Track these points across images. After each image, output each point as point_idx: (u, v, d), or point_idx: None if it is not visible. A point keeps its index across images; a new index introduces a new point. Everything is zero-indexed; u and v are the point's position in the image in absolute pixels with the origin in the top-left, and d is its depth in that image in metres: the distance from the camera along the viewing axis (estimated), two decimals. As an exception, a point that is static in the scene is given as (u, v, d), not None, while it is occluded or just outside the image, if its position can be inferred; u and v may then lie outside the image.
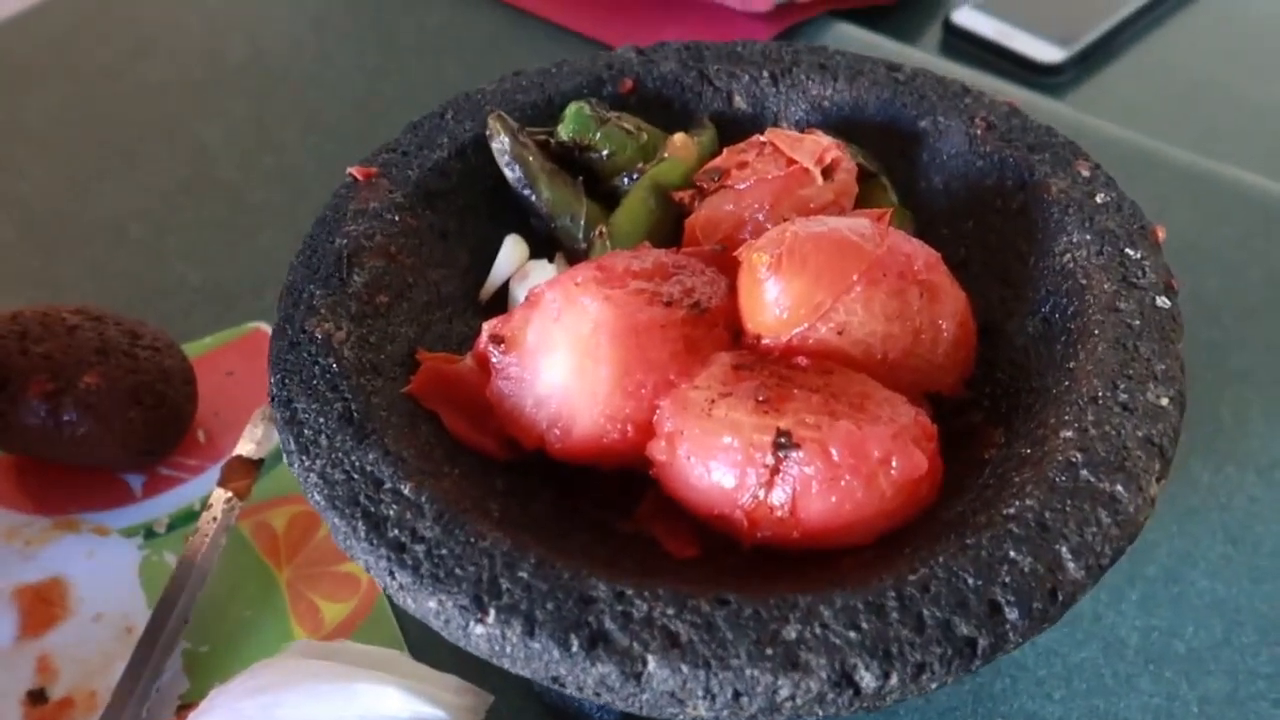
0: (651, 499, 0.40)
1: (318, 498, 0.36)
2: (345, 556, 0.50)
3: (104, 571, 0.51)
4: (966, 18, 0.81)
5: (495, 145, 0.47)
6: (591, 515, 0.40)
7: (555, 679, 0.33)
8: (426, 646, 0.46)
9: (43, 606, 0.49)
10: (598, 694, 0.33)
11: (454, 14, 0.80)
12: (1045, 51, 0.78)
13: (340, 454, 0.37)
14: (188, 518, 0.53)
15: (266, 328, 0.61)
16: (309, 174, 0.70)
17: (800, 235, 0.39)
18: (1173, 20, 0.83)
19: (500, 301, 0.46)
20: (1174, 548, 0.50)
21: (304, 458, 0.37)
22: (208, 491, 0.53)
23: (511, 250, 0.46)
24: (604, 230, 0.46)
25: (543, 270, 0.45)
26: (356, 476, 0.36)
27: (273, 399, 0.39)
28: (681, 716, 0.33)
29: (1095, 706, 0.46)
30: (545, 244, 0.47)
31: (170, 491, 0.54)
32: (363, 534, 0.35)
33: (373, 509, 0.35)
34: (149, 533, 0.52)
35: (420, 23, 0.80)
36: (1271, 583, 0.49)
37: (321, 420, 0.37)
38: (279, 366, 0.39)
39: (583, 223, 0.47)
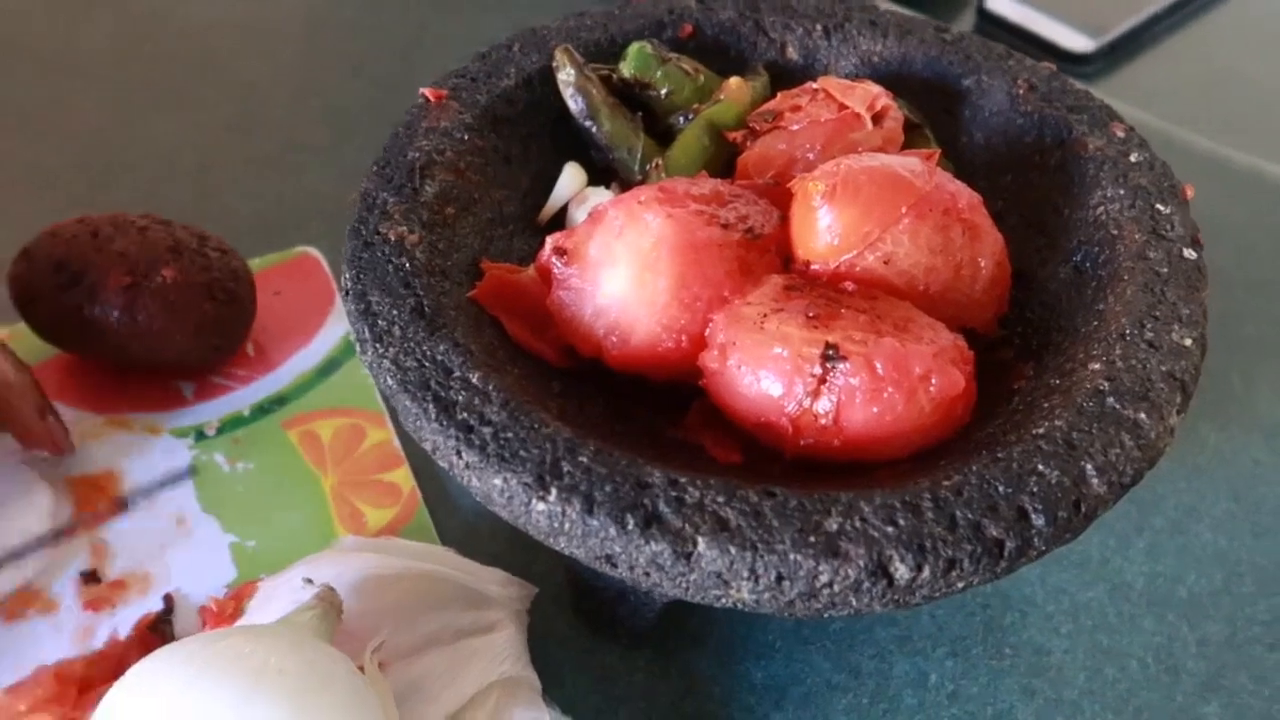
0: (699, 409, 0.42)
1: (390, 382, 0.38)
2: (388, 466, 0.53)
3: (156, 467, 0.53)
4: (1000, 4, 0.83)
5: (561, 76, 0.49)
6: (642, 422, 0.42)
7: (608, 557, 0.35)
8: (466, 554, 0.48)
9: (96, 495, 0.52)
10: (647, 573, 0.35)
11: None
12: (1076, 41, 0.81)
13: (412, 344, 0.39)
14: (235, 423, 0.55)
15: (314, 252, 0.63)
16: (354, 116, 0.72)
17: (854, 168, 0.41)
18: (1203, 17, 0.85)
19: (558, 224, 0.48)
20: (1180, 501, 0.52)
21: (378, 345, 0.39)
22: (255, 400, 0.56)
23: (571, 176, 0.48)
24: (660, 163, 0.48)
25: (600, 196, 0.48)
26: (427, 364, 0.38)
27: (347, 293, 0.41)
28: (724, 598, 0.35)
29: (1099, 642, 0.48)
30: (602, 174, 0.49)
31: (219, 398, 0.56)
32: (433, 415, 0.37)
33: (443, 394, 0.37)
34: (199, 434, 0.54)
35: (469, -25, 0.82)
36: (1271, 538, 0.51)
37: (395, 313, 0.40)
38: (354, 263, 0.41)
39: (639, 155, 0.49)
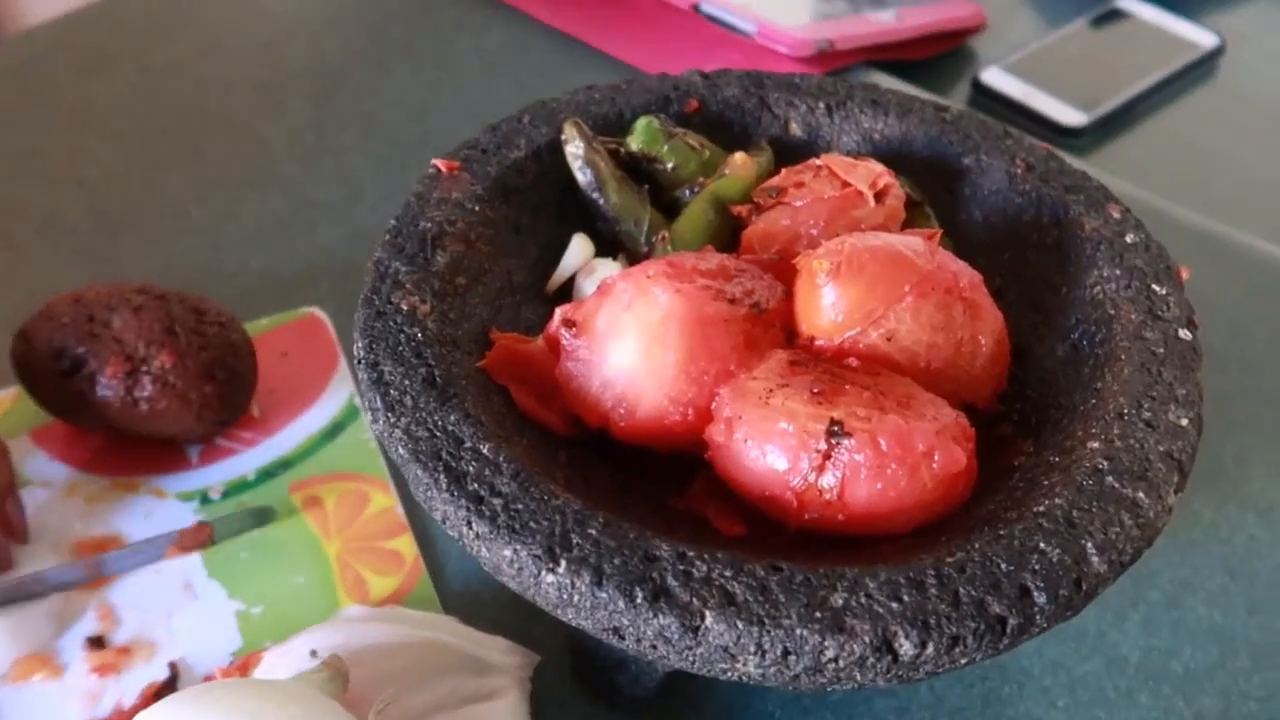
0: (703, 480, 0.43)
1: (402, 451, 0.39)
2: (391, 533, 0.53)
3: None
4: (994, 78, 0.85)
5: (570, 149, 0.50)
6: (647, 492, 0.43)
7: (616, 630, 0.36)
8: (468, 623, 0.49)
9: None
10: (654, 646, 0.35)
11: (509, 35, 0.84)
12: (1068, 115, 0.82)
13: (424, 413, 0.39)
14: (241, 487, 0.55)
15: (320, 313, 0.64)
16: (365, 177, 0.73)
17: (858, 247, 0.42)
18: (1189, 95, 0.87)
19: (565, 293, 0.49)
20: (1176, 576, 0.53)
21: (390, 415, 0.40)
22: (261, 464, 0.56)
23: (579, 247, 0.49)
24: (666, 235, 0.49)
25: (608, 268, 0.48)
26: (439, 435, 0.39)
27: (359, 361, 0.42)
28: (731, 672, 0.36)
29: (1096, 717, 0.48)
30: (609, 245, 0.50)
31: (224, 461, 0.56)
32: (444, 486, 0.37)
33: (454, 464, 0.38)
34: (204, 498, 0.55)
35: (477, 42, 0.83)
36: (1265, 614, 0.52)
37: (407, 382, 0.40)
38: (367, 332, 0.42)
39: (646, 227, 0.50)
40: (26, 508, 0.53)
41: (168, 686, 0.47)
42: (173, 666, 0.48)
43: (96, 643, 0.49)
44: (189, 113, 0.78)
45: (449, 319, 0.43)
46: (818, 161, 0.50)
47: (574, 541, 0.36)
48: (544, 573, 0.36)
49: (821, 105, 0.54)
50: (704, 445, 0.41)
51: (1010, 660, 0.50)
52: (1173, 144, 0.81)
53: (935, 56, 0.87)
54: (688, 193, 0.51)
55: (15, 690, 0.47)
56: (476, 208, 0.47)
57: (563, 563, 0.36)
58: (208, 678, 0.47)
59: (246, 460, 0.56)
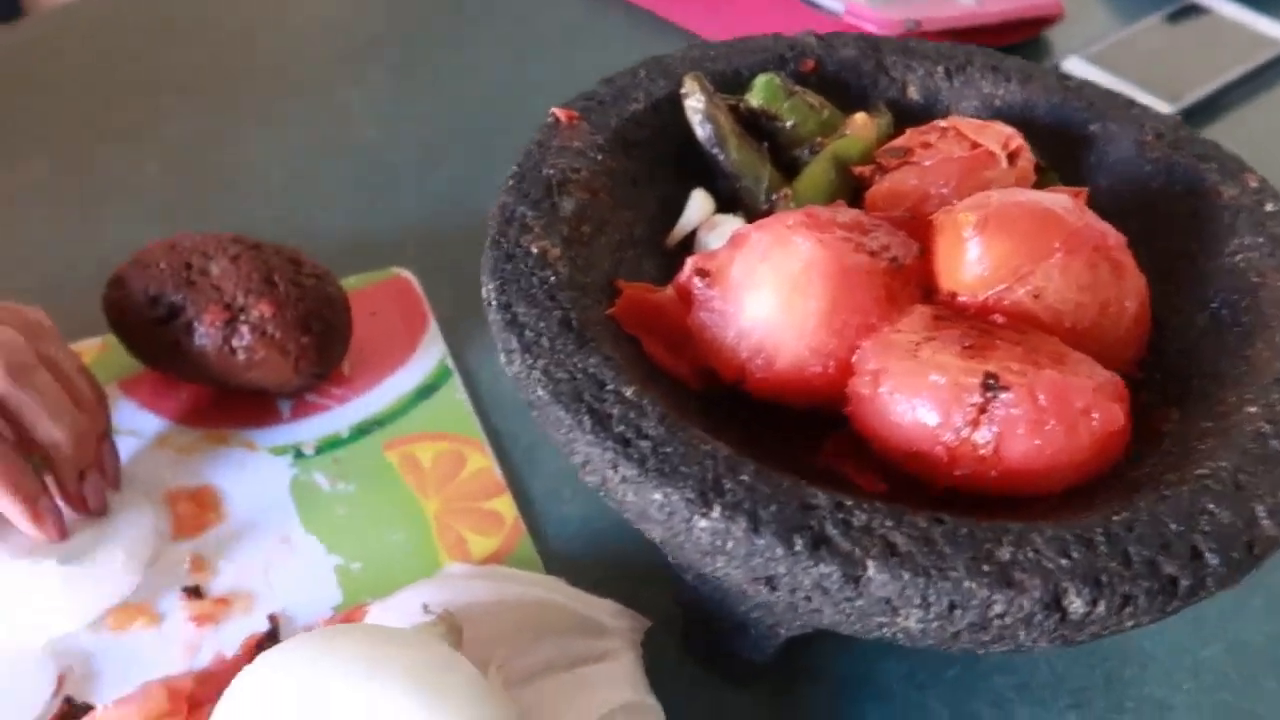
0: (838, 437, 0.41)
1: (541, 393, 0.37)
2: (490, 494, 0.52)
3: (255, 484, 0.52)
4: (1077, 67, 0.84)
5: (690, 103, 0.49)
6: (779, 449, 0.41)
7: (769, 579, 0.34)
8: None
9: (195, 510, 0.51)
10: (809, 598, 0.34)
11: (588, 8, 0.83)
12: (1154, 106, 0.81)
13: (562, 355, 0.38)
14: (334, 443, 0.54)
15: (407, 274, 0.63)
16: (443, 144, 0.72)
17: (1006, 202, 0.41)
18: (1274, 90, 0.85)
19: (685, 249, 0.48)
20: (1297, 561, 0.51)
21: (527, 356, 0.38)
22: (354, 421, 0.55)
23: (700, 202, 0.48)
24: (787, 193, 0.48)
25: (732, 223, 0.47)
26: (579, 377, 0.38)
27: (490, 303, 0.40)
28: (888, 626, 0.34)
29: (1223, 700, 0.47)
30: (726, 203, 0.49)
31: (316, 417, 0.55)
32: (588, 427, 0.36)
33: (597, 406, 0.37)
34: (298, 453, 0.53)
35: (556, 14, 0.82)
36: (1393, 602, 0.50)
37: (542, 325, 0.39)
38: (497, 274, 0.41)
39: (765, 185, 0.48)
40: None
41: (270, 638, 0.46)
42: (273, 619, 0.47)
43: (194, 592, 0.47)
44: (267, 77, 0.77)
45: (577, 265, 0.42)
46: (943, 123, 0.49)
47: (727, 487, 0.35)
48: (696, 518, 0.34)
49: (940, 69, 0.53)
50: (842, 399, 0.40)
51: (1129, 641, 0.48)
52: (1260, 137, 0.80)
53: (1012, 45, 0.86)
54: (805, 153, 0.50)
55: (115, 638, 0.46)
56: (599, 157, 0.46)
57: (717, 508, 0.34)
58: (308, 630, 0.46)
59: (338, 417, 0.55)
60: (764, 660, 0.44)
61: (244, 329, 0.51)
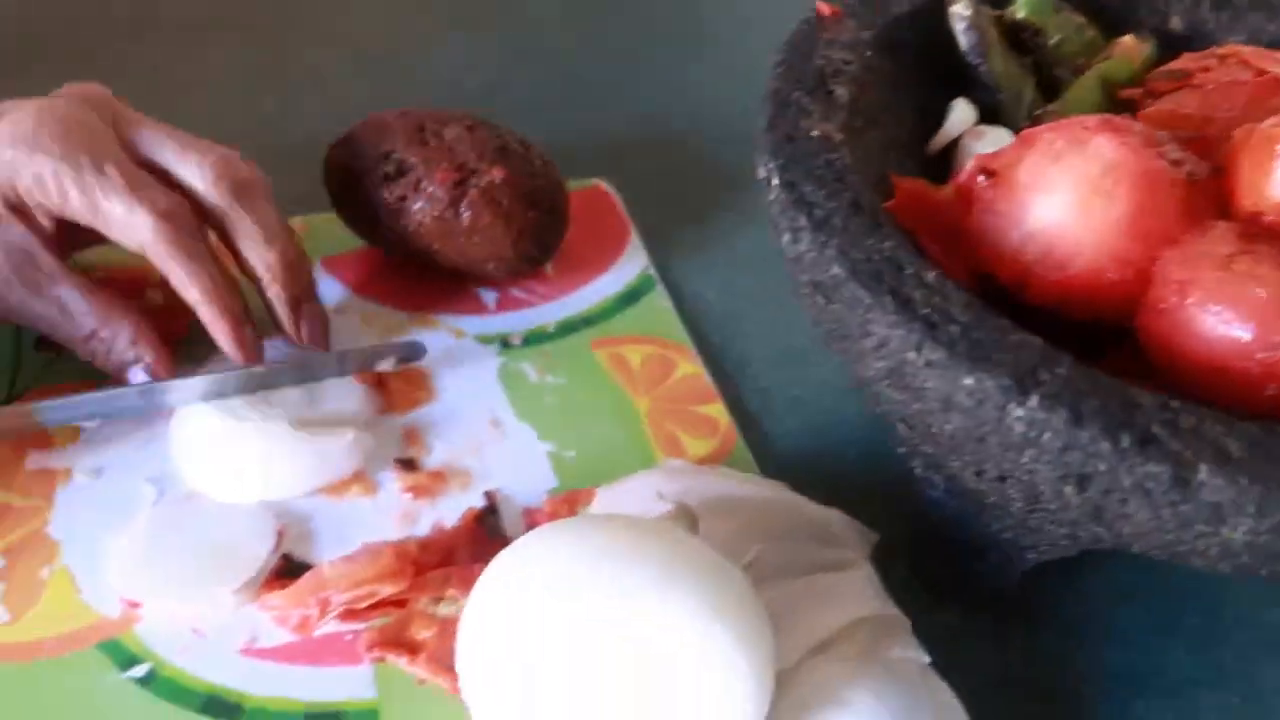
0: (1116, 351, 0.39)
1: (837, 270, 0.36)
2: (702, 400, 0.50)
3: (463, 368, 0.51)
4: None
5: (955, 9, 0.47)
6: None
7: (1082, 477, 0.32)
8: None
9: (405, 387, 0.50)
10: (1125, 500, 0.32)
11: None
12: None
13: (856, 236, 0.36)
14: (541, 337, 0.53)
15: (607, 185, 0.61)
16: (639, 55, 0.71)
17: (1322, 118, 0.39)
18: None
19: (945, 158, 0.46)
20: None
21: (819, 234, 0.37)
22: (559, 318, 0.54)
23: (964, 110, 0.46)
24: (1053, 110, 0.46)
25: (999, 133, 0.45)
26: (876, 258, 0.36)
27: (772, 182, 0.39)
28: (1208, 539, 0.32)
29: None
30: (985, 116, 0.47)
31: (522, 311, 0.54)
32: (890, 307, 0.34)
33: (898, 287, 0.35)
34: (505, 343, 0.52)
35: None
36: None
37: (832, 205, 0.37)
38: (779, 153, 0.39)
39: (1028, 101, 0.46)
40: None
41: (488, 514, 0.44)
42: (490, 495, 0.45)
43: (408, 465, 0.46)
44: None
45: (856, 155, 0.40)
46: (1221, 50, 0.46)
47: (1043, 377, 0.33)
48: (1012, 405, 0.32)
49: (1206, 1, 0.50)
50: (1131, 311, 0.38)
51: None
52: None
53: None
54: (1067, 73, 0.48)
55: (331, 502, 0.45)
56: (868, 53, 0.44)
57: (1034, 396, 0.32)
58: (528, 511, 0.45)
59: (544, 313, 0.54)
60: (1002, 588, 0.42)
61: (473, 192, 0.50)
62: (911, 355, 0.34)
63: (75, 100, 0.45)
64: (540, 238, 0.52)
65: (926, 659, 0.39)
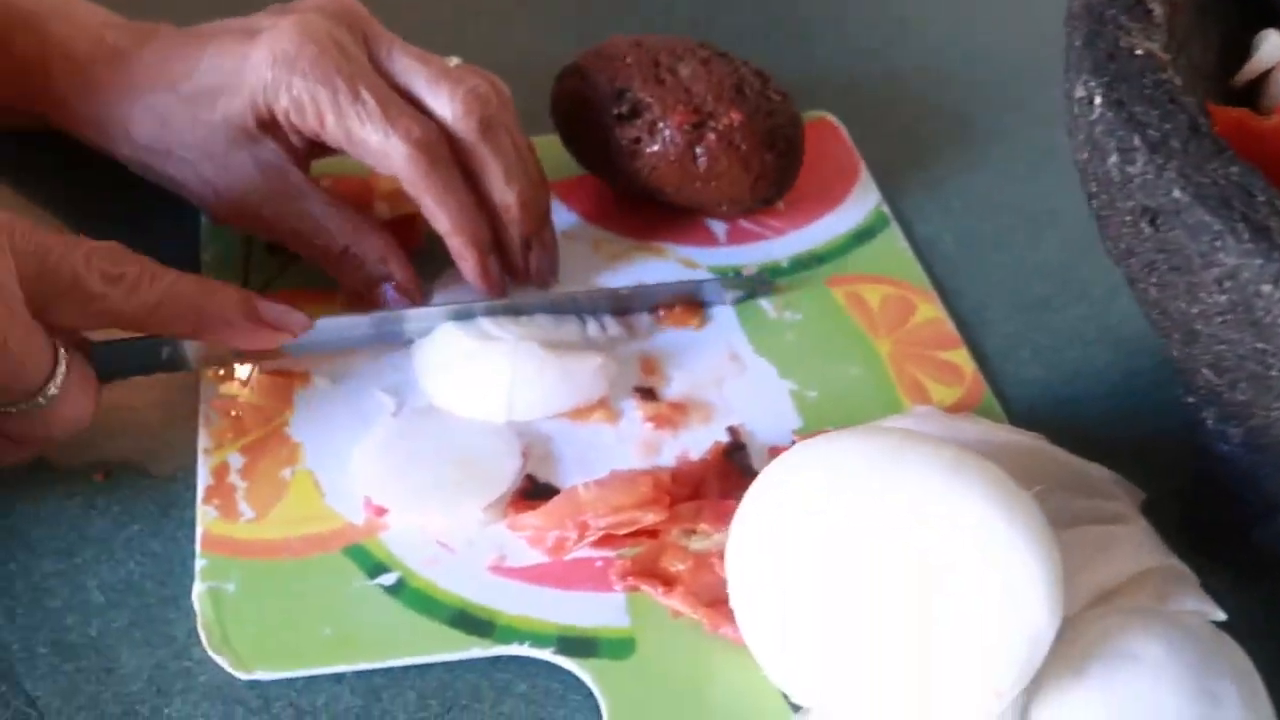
0: None
1: (1179, 195, 0.33)
2: (944, 345, 0.47)
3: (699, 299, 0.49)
4: None
5: (1269, -66, 0.43)
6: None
7: None
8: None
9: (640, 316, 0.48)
10: None
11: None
12: None
13: (1197, 159, 0.33)
14: (775, 272, 0.50)
15: (833, 118, 0.59)
16: None
17: None
18: None
19: (1252, 90, 0.43)
20: None
21: (1155, 156, 0.33)
22: (792, 253, 0.51)
23: (1276, 41, 0.43)
24: (1372, 47, 0.42)
25: (1317, 67, 0.42)
26: (1222, 182, 0.33)
27: (1094, 101, 0.36)
28: None
29: None
30: (1291, 54, 0.43)
31: (753, 244, 0.52)
32: (1245, 236, 0.31)
33: (1251, 214, 0.32)
34: (738, 276, 0.50)
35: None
36: None
37: (1168, 126, 0.34)
38: (1101, 72, 0.36)
39: (1342, 36, 0.43)
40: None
41: (735, 449, 0.42)
42: (734, 431, 0.43)
43: (647, 394, 0.44)
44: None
45: (1183, 75, 0.37)
46: None
47: None
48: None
49: None
50: None
51: None
52: None
53: None
54: (1380, 9, 0.44)
55: (573, 427, 0.43)
56: (1173, -25, 0.41)
57: None
58: (774, 450, 0.43)
59: (776, 247, 0.52)
60: (1290, 557, 0.39)
61: (710, 136, 0.48)
62: (1267, 288, 0.31)
63: (330, 17, 0.44)
64: (777, 179, 0.50)
65: (1220, 614, 0.36)
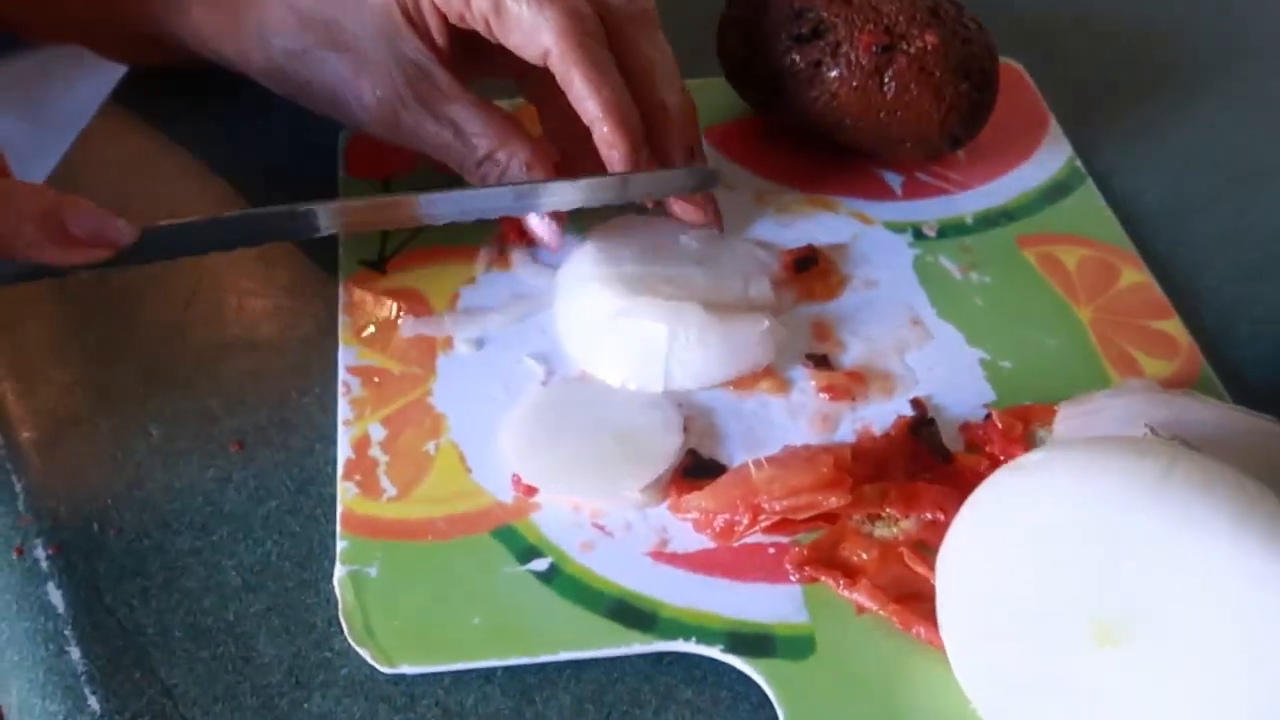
0: None
1: None
2: (1154, 314, 0.42)
3: (875, 258, 0.44)
4: None
5: None
6: None
7: None
8: None
9: (811, 274, 0.43)
10: None
11: None
12: None
13: None
14: (959, 229, 0.46)
15: (1019, 65, 0.53)
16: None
17: None
18: None
19: None
20: None
21: None
22: (977, 209, 0.46)
23: None
24: None
25: None
26: None
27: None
28: None
29: None
30: None
31: (933, 199, 0.47)
32: None
33: None
34: (917, 233, 0.45)
35: None
36: None
37: None
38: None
39: None
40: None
41: (923, 425, 0.38)
42: (919, 404, 0.39)
43: (820, 361, 0.40)
44: None
45: None
46: None
47: None
48: None
49: None
50: None
51: None
52: None
53: None
54: None
55: (738, 399, 0.39)
56: None
57: None
58: (966, 426, 0.38)
59: (958, 202, 0.47)
60: None
61: (901, 60, 0.43)
62: None
63: None
64: (970, 115, 0.45)
65: None
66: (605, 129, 0.40)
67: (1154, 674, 0.28)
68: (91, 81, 0.56)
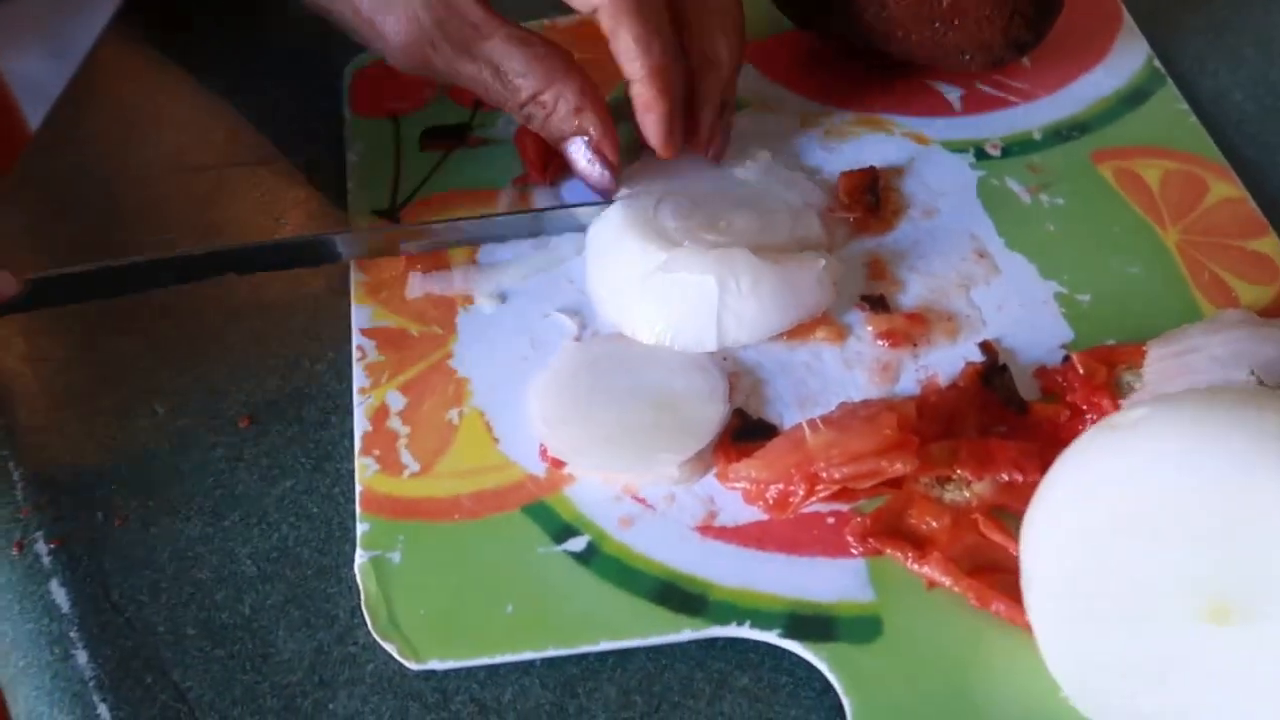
0: None
1: None
2: (1249, 233, 0.38)
3: (933, 183, 0.40)
4: None
5: None
6: None
7: None
8: None
9: (864, 206, 0.39)
10: None
11: None
12: None
13: None
14: (1026, 146, 0.41)
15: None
16: None
17: None
18: None
19: None
20: None
21: None
22: (1045, 122, 0.42)
23: None
24: None
25: None
26: None
27: None
28: None
29: None
30: None
31: (996, 113, 0.43)
32: None
33: None
34: (980, 153, 0.41)
35: None
36: None
37: None
38: None
39: None
40: (744, 128, 0.41)
41: (995, 371, 0.34)
42: (988, 348, 0.35)
43: (877, 303, 0.36)
44: None
45: None
46: None
47: None
48: None
49: None
50: None
51: None
52: None
53: None
54: None
55: (789, 350, 0.36)
56: None
57: None
58: (1042, 370, 0.34)
59: (1024, 115, 0.42)
60: None
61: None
62: None
63: None
64: (1035, 18, 0.40)
65: None
66: (643, 92, 0.37)
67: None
68: (101, 8, 0.53)
